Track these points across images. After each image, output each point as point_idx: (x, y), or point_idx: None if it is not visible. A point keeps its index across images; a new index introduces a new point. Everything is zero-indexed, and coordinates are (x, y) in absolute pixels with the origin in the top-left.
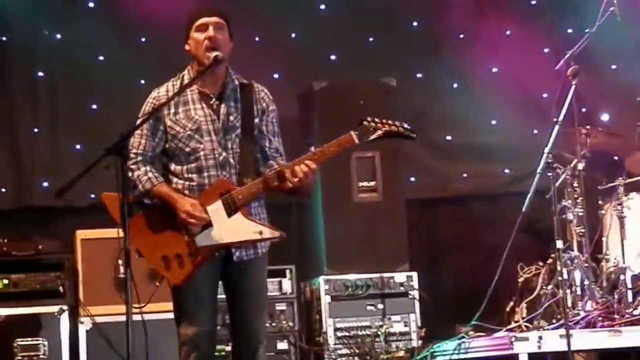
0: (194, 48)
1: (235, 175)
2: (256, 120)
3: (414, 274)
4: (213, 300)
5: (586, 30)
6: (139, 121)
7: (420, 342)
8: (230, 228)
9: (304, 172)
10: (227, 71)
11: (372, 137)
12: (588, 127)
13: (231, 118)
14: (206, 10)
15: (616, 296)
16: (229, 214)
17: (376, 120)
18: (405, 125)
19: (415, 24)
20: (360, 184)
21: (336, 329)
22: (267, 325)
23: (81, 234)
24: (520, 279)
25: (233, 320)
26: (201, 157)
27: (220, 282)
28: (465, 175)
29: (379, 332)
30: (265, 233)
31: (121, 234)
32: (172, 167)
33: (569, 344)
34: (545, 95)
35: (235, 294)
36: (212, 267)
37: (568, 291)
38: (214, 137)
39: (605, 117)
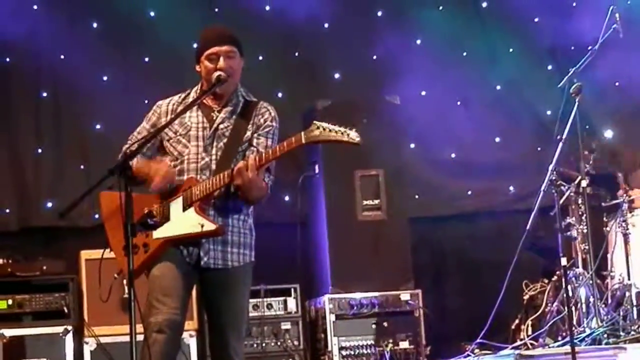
0: (205, 74)
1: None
2: (248, 133)
3: (419, 292)
4: (183, 296)
5: (589, 48)
6: (137, 132)
7: None
8: (181, 221)
9: (238, 167)
10: (236, 90)
11: (314, 140)
12: (592, 144)
13: (221, 126)
14: (217, 38)
15: (621, 313)
16: (184, 208)
17: (324, 125)
18: (352, 135)
19: (418, 41)
20: (365, 202)
21: (341, 348)
22: (273, 344)
23: (86, 254)
24: (526, 296)
25: (211, 341)
26: (185, 160)
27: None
28: (469, 192)
29: (385, 351)
30: (206, 226)
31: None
32: None
33: None
34: (548, 112)
35: (212, 312)
36: (186, 270)
37: (573, 308)
38: (200, 143)
39: (609, 134)
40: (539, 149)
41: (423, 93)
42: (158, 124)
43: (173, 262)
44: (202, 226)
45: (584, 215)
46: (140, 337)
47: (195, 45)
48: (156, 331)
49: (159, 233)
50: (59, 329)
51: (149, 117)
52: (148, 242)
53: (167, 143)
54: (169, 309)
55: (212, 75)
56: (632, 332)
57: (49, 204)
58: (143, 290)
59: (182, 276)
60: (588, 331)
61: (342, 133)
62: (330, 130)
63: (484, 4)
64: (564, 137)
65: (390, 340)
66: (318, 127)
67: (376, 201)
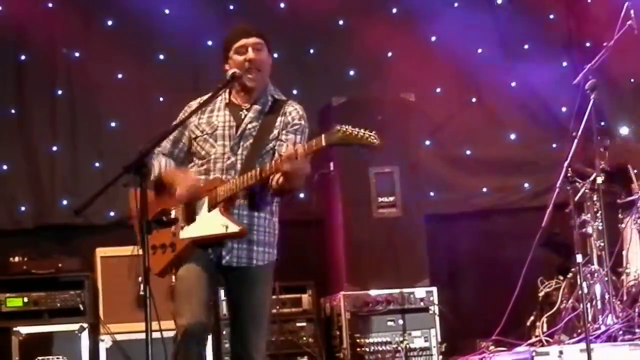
0: (235, 68)
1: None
2: (275, 131)
3: (434, 289)
4: (205, 297)
5: (604, 44)
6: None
7: (440, 357)
8: (206, 222)
9: (287, 154)
10: (266, 87)
11: (335, 143)
12: (607, 140)
13: (249, 126)
14: (245, 31)
15: (637, 310)
16: (210, 209)
17: (344, 128)
18: (372, 138)
19: (433, 39)
20: (380, 199)
21: (356, 345)
22: (287, 341)
23: (101, 252)
24: (541, 293)
25: (232, 338)
26: (212, 160)
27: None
28: (484, 189)
29: (400, 348)
30: (230, 227)
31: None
32: (190, 168)
33: (589, 358)
34: (564, 109)
35: (234, 309)
36: (212, 271)
37: (588, 305)
38: (227, 142)
39: (624, 130)
40: (554, 145)
41: (438, 90)
42: (187, 124)
43: (199, 264)
44: (227, 227)
45: (599, 212)
46: (155, 335)
47: (210, 43)
48: (182, 334)
49: (185, 233)
50: (75, 327)
51: (179, 117)
52: (175, 241)
53: (194, 142)
54: (192, 311)
55: (244, 72)
56: None
57: (64, 202)
58: (158, 288)
59: (207, 277)
60: (603, 328)
61: (361, 136)
62: (350, 133)
63: (499, 1)
64: (579, 134)
65: (405, 337)
66: (339, 130)
67: (391, 198)
